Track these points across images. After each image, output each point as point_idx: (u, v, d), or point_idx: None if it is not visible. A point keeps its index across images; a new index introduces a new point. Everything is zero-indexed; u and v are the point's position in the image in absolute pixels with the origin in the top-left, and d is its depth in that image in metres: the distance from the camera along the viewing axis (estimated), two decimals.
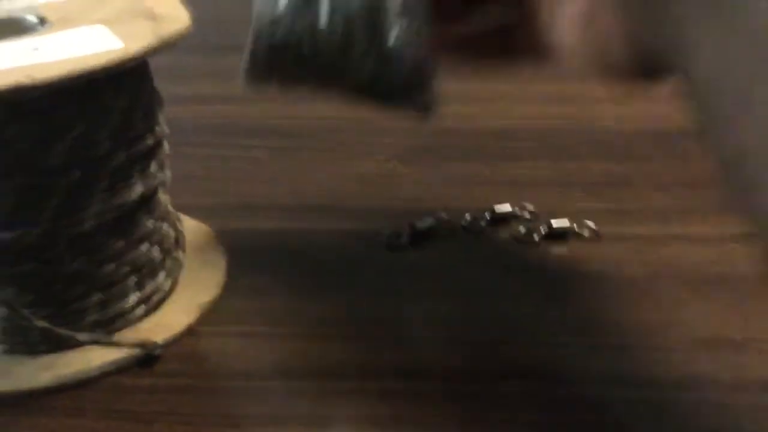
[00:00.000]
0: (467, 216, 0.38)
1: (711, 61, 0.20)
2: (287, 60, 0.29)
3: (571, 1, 0.25)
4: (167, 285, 0.33)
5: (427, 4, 0.27)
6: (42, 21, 0.30)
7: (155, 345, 0.30)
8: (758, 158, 0.19)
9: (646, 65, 0.24)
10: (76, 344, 0.29)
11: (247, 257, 0.36)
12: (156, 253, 0.32)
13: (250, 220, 0.39)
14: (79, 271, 0.29)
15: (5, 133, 0.26)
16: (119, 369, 0.29)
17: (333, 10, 0.28)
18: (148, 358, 0.30)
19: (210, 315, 0.32)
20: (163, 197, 0.33)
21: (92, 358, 0.29)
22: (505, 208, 0.38)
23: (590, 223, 0.37)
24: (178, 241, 0.34)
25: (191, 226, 0.37)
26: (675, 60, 0.21)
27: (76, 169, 0.27)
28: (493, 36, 0.30)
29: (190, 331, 0.31)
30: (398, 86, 0.29)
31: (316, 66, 0.29)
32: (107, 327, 0.31)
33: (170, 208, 0.34)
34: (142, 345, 0.30)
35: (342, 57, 0.29)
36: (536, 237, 0.36)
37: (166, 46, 0.27)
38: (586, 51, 0.25)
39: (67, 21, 0.29)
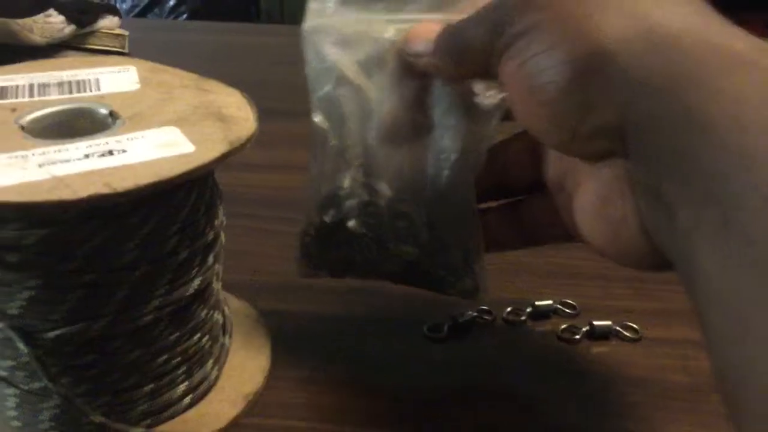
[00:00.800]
0: (508, 309, 0.38)
1: (714, 279, 0.20)
2: (333, 256, 0.33)
3: (588, 187, 0.27)
4: (214, 374, 0.33)
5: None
6: (112, 115, 0.31)
7: None
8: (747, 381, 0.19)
9: (656, 257, 0.24)
10: None
11: (290, 343, 0.36)
12: (206, 341, 0.32)
13: (291, 302, 0.39)
14: (135, 362, 0.29)
15: (77, 234, 0.27)
16: None
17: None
18: None
19: (255, 406, 0.33)
20: (216, 286, 0.33)
21: None
22: (547, 302, 0.39)
23: (633, 325, 0.37)
24: (225, 327, 0.35)
25: (236, 307, 0.37)
26: (679, 264, 0.22)
27: (142, 266, 0.28)
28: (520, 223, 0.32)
29: (235, 424, 0.32)
30: (443, 278, 0.34)
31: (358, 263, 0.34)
32: (155, 416, 0.31)
33: (221, 295, 0.34)
34: None
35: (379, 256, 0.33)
36: (577, 336, 0.37)
37: (236, 152, 0.28)
38: (602, 236, 0.26)
39: (138, 118, 0.30)
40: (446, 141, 0.31)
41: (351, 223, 0.33)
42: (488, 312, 0.38)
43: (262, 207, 0.48)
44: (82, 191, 0.25)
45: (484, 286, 0.33)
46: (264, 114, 0.60)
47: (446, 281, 0.33)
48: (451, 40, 0.28)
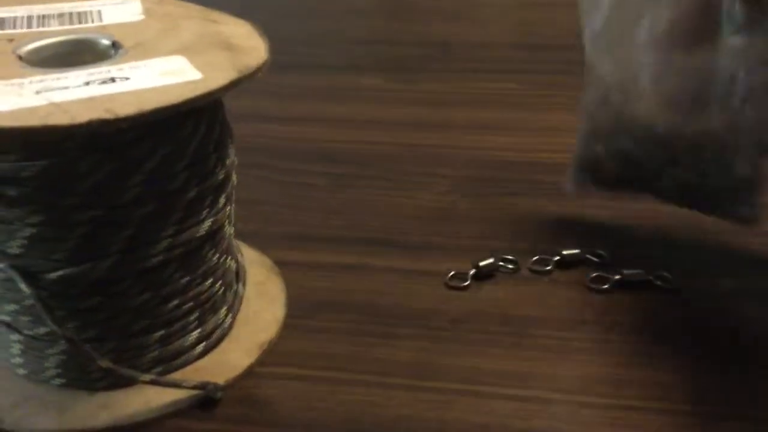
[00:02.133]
0: (533, 258, 0.37)
1: None
2: (607, 172, 0.34)
3: None
4: (228, 321, 0.32)
5: None
6: (115, 45, 0.29)
7: (216, 387, 0.29)
8: None
9: None
10: (136, 382, 0.28)
11: (306, 292, 0.35)
12: (218, 287, 0.31)
13: (307, 252, 0.38)
14: (144, 306, 0.28)
15: (79, 166, 0.25)
16: (178, 411, 0.28)
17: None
18: (208, 400, 0.29)
19: (269, 355, 0.31)
20: (229, 230, 0.31)
21: (151, 398, 0.28)
22: (574, 251, 0.37)
23: (666, 274, 0.35)
24: (239, 275, 0.33)
25: (250, 257, 0.36)
26: None
27: (149, 204, 0.26)
28: None
29: (249, 373, 0.30)
30: (726, 200, 0.32)
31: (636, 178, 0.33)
32: (167, 364, 0.29)
33: (233, 240, 0.33)
34: (203, 387, 0.28)
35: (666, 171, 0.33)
36: (607, 285, 0.35)
37: (246, 81, 0.26)
38: None
39: (142, 47, 0.28)
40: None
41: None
42: (513, 261, 0.37)
43: (277, 158, 0.46)
44: (81, 117, 0.23)
45: (760, 217, 0.31)
46: (280, 67, 0.59)
47: (724, 206, 0.32)
48: None
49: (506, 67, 0.59)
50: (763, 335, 0.32)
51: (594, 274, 0.35)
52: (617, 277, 0.35)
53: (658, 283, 0.35)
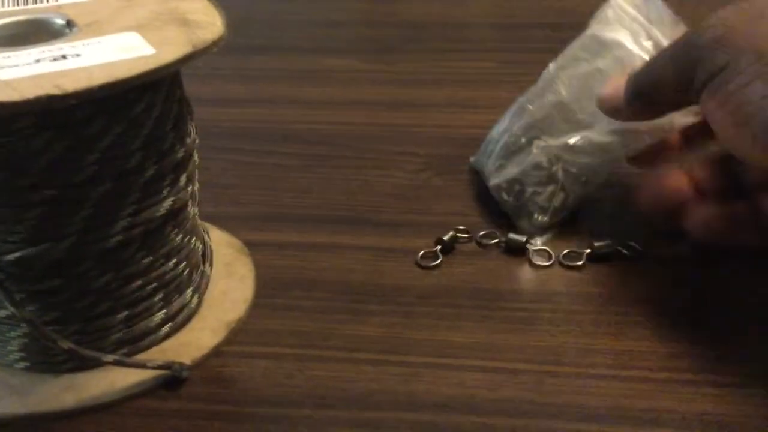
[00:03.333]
0: (481, 233, 0.36)
1: None
2: None
3: None
4: (194, 302, 0.31)
5: None
6: (69, 24, 0.28)
7: (182, 367, 0.28)
8: None
9: None
10: (100, 364, 0.28)
11: (275, 272, 0.35)
12: (183, 268, 0.31)
13: (277, 232, 0.38)
14: (105, 287, 0.28)
15: (32, 145, 0.25)
16: (144, 392, 0.28)
17: None
18: (174, 380, 0.28)
19: (237, 334, 0.31)
20: (192, 210, 0.31)
21: (116, 379, 0.28)
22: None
23: (633, 244, 0.35)
24: (205, 255, 0.33)
25: (218, 238, 0.36)
26: None
27: (106, 182, 0.26)
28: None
29: (217, 352, 0.30)
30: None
31: None
32: (132, 345, 0.29)
33: (198, 220, 0.32)
34: (168, 367, 0.28)
35: None
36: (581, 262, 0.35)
37: (201, 55, 0.26)
38: None
39: (96, 25, 0.28)
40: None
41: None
42: (465, 231, 0.36)
43: (245, 140, 0.45)
44: (30, 93, 0.23)
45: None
46: (246, 49, 0.58)
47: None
48: (638, 85, 0.32)
49: (483, 46, 0.59)
50: (724, 299, 0.32)
51: (566, 251, 0.35)
52: (588, 251, 0.35)
53: (626, 252, 0.35)
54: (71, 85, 0.23)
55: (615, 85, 0.33)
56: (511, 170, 0.37)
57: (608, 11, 0.38)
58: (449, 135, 0.46)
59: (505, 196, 0.37)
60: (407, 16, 0.65)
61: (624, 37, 0.36)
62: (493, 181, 0.38)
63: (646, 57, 0.35)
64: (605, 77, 0.36)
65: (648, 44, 0.36)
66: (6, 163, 0.25)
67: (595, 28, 0.38)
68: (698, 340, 0.30)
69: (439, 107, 0.49)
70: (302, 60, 0.56)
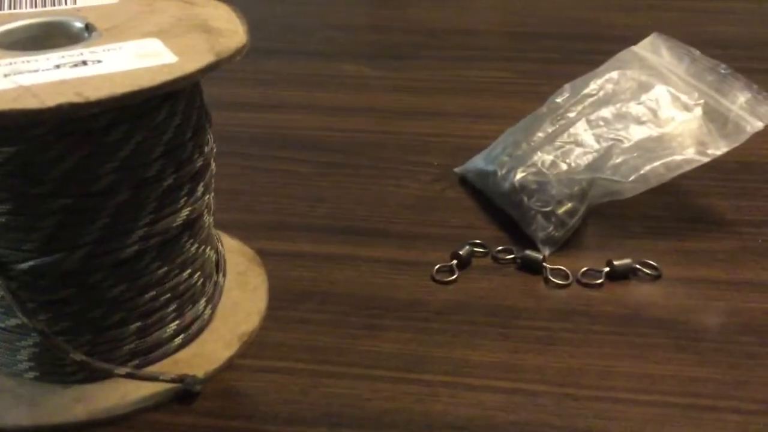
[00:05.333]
0: (498, 247, 0.36)
1: None
2: None
3: None
4: (207, 313, 0.31)
5: None
6: (88, 28, 0.28)
7: (195, 380, 0.28)
8: None
9: None
10: (111, 376, 0.28)
11: (288, 283, 0.34)
12: (197, 278, 0.30)
13: (289, 242, 0.37)
14: (118, 297, 0.27)
15: (50, 152, 0.24)
16: (156, 405, 0.28)
17: None
18: (187, 394, 0.28)
19: (250, 347, 0.30)
20: (208, 219, 0.31)
21: (128, 391, 0.28)
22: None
23: (652, 263, 0.35)
24: (219, 265, 0.32)
25: (230, 246, 0.35)
26: None
27: (124, 192, 0.26)
28: None
29: (229, 365, 0.30)
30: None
31: None
32: (144, 357, 0.29)
33: (212, 230, 0.32)
34: (181, 380, 0.28)
35: None
36: (600, 281, 0.34)
37: (224, 64, 0.25)
38: None
39: (117, 30, 0.27)
40: None
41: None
42: (482, 246, 0.36)
43: (260, 147, 0.45)
44: (51, 100, 0.22)
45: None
46: (261, 53, 0.57)
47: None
48: None
49: (496, 54, 0.58)
50: (749, 322, 0.31)
51: (584, 269, 0.35)
52: (606, 269, 0.34)
53: (646, 271, 0.34)
54: (93, 94, 0.22)
55: None
56: (518, 179, 0.38)
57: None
58: (463, 145, 0.45)
59: (512, 206, 0.38)
60: (419, 23, 0.64)
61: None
62: (500, 190, 0.38)
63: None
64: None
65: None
66: (22, 170, 0.24)
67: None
68: (721, 364, 0.29)
69: (453, 116, 0.49)
70: (314, 65, 0.56)
